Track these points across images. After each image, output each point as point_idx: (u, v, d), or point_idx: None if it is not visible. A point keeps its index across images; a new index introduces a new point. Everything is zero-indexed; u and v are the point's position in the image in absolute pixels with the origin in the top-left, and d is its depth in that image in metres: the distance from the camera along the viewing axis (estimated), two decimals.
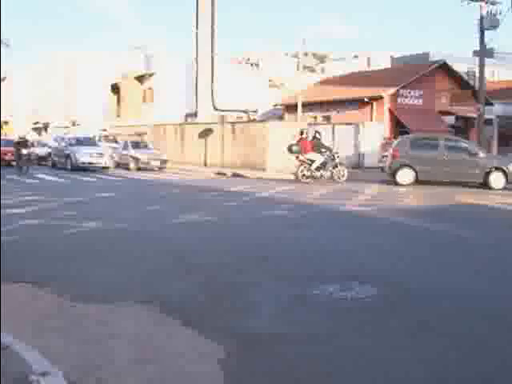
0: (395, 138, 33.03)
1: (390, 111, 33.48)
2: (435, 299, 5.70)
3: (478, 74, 30.17)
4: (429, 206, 14.58)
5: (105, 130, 41.03)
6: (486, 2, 27.86)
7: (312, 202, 14.50)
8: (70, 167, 26.80)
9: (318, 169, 20.96)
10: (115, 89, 50.64)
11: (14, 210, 11.55)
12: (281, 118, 38.86)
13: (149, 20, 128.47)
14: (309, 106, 34.86)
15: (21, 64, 62.79)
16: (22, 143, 25.85)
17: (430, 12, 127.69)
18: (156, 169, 28.29)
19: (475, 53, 40.07)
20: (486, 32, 28.01)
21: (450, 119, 35.31)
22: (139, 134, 35.83)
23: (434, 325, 4.92)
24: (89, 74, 50.35)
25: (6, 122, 54.19)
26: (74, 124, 51.74)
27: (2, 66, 38.01)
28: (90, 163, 26.87)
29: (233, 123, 32.10)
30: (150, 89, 48.16)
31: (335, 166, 21.31)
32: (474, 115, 30.54)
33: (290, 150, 21.48)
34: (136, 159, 28.41)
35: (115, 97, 51.04)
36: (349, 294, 5.70)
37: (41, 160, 31.25)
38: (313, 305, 5.44)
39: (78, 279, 6.28)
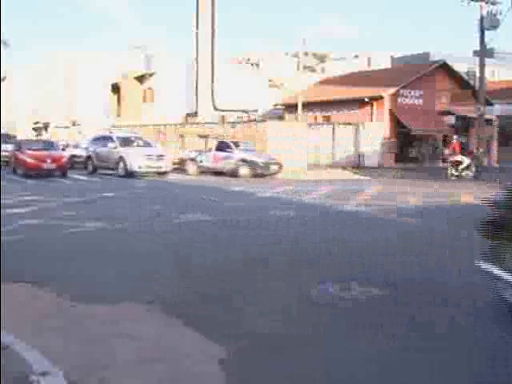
0: (395, 137, 33.16)
1: (391, 111, 33.44)
2: (436, 299, 5.69)
3: (478, 74, 30.17)
4: (429, 206, 14.56)
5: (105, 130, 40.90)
6: (486, 2, 27.87)
7: (313, 202, 14.50)
8: (123, 173, 22.06)
9: (463, 169, 24.53)
10: (115, 89, 50.60)
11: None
12: (281, 117, 38.80)
13: (149, 20, 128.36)
14: (309, 105, 34.83)
15: (21, 64, 62.68)
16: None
17: (430, 12, 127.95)
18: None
19: (475, 53, 40.06)
20: (486, 32, 28.04)
21: (450, 119, 35.29)
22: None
23: (434, 325, 4.91)
24: (89, 73, 50.26)
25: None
26: (74, 124, 51.66)
27: (2, 66, 37.98)
28: (148, 167, 22.20)
29: (233, 123, 32.09)
30: (150, 89, 48.11)
31: (476, 167, 24.88)
32: (474, 115, 30.52)
33: (442, 154, 27.47)
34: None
35: (115, 97, 50.99)
36: (349, 294, 5.70)
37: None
38: (313, 305, 5.43)
39: (78, 279, 6.28)
